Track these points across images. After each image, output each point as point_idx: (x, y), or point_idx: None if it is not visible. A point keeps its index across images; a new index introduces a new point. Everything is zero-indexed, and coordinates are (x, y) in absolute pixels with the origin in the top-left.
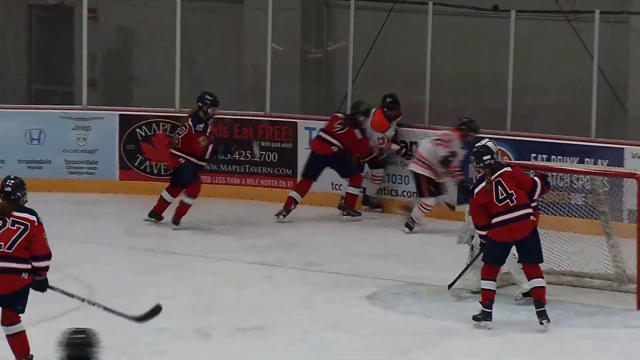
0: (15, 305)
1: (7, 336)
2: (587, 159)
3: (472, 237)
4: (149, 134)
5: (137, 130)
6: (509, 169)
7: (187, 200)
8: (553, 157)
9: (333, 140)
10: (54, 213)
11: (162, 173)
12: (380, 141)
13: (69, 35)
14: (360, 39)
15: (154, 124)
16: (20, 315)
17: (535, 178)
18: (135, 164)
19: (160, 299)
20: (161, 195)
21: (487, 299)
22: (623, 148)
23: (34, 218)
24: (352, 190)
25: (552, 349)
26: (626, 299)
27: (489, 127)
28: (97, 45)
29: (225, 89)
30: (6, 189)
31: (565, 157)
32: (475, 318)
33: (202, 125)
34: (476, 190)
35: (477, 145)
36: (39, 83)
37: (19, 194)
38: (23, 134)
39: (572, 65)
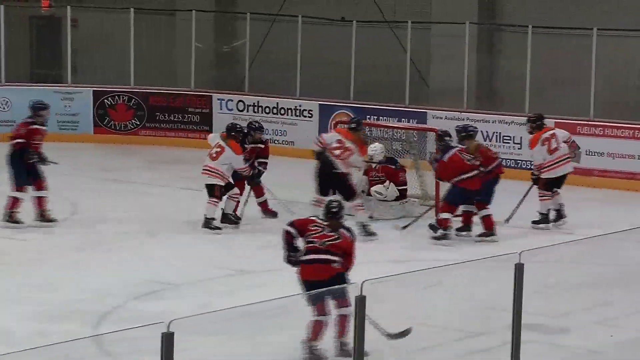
0: None
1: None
2: (403, 119)
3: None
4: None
5: (105, 100)
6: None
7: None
8: (381, 118)
9: None
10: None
11: (123, 129)
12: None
13: (57, 36)
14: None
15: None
16: None
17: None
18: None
19: (120, 211)
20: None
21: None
22: (426, 112)
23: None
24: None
25: None
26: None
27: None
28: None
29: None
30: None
31: (389, 118)
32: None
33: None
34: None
35: None
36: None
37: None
38: (27, 103)
39: (390, 56)
